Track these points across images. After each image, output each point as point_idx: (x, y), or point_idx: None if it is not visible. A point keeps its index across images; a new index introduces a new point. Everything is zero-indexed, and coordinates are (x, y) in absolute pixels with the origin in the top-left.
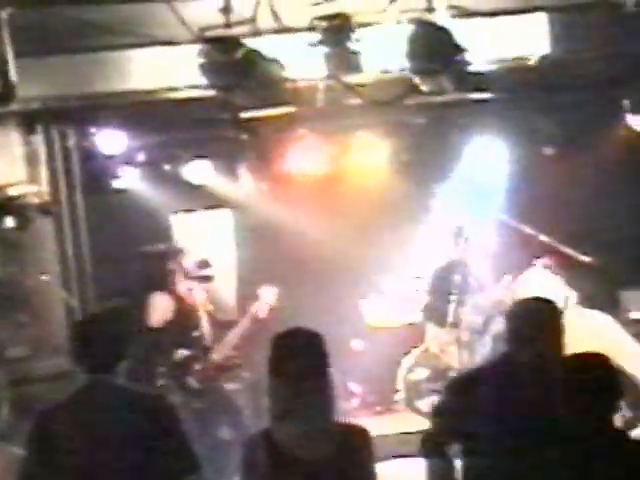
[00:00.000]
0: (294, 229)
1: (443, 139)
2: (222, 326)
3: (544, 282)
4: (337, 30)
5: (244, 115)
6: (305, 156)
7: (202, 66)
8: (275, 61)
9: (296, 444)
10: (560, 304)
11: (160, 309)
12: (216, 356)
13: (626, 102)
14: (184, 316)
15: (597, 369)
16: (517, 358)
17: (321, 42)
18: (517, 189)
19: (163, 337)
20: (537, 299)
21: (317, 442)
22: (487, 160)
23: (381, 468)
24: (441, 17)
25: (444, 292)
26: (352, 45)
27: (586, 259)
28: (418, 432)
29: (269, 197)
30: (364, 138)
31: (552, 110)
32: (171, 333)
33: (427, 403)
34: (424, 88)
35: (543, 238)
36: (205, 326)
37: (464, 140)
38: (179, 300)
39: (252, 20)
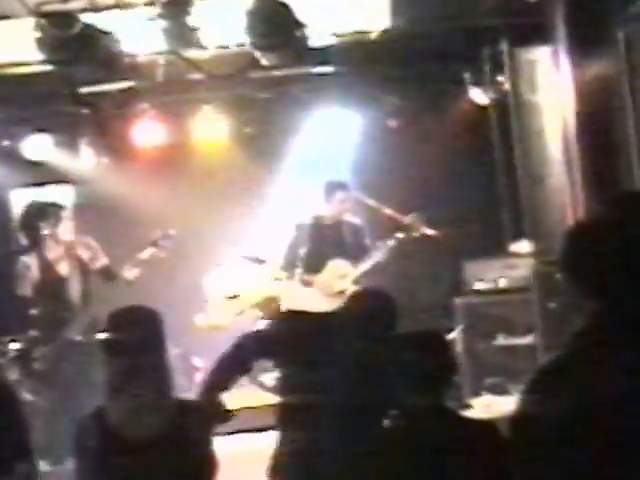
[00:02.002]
0: (136, 204)
1: (287, 113)
2: (109, 276)
3: None
4: (175, 5)
5: (84, 90)
6: (147, 130)
7: (39, 41)
8: (112, 36)
9: (127, 423)
10: None
11: (24, 276)
12: (72, 330)
13: (467, 75)
14: (50, 285)
15: (429, 347)
16: None
17: (160, 16)
18: (362, 162)
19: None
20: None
21: (148, 421)
22: (332, 133)
23: (225, 442)
24: None
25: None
26: (191, 20)
27: (429, 231)
28: (262, 407)
29: (111, 172)
30: (207, 112)
31: (395, 83)
32: (35, 304)
33: (271, 377)
34: (265, 62)
35: (387, 211)
36: (74, 295)
37: (308, 113)
38: (47, 267)
39: None
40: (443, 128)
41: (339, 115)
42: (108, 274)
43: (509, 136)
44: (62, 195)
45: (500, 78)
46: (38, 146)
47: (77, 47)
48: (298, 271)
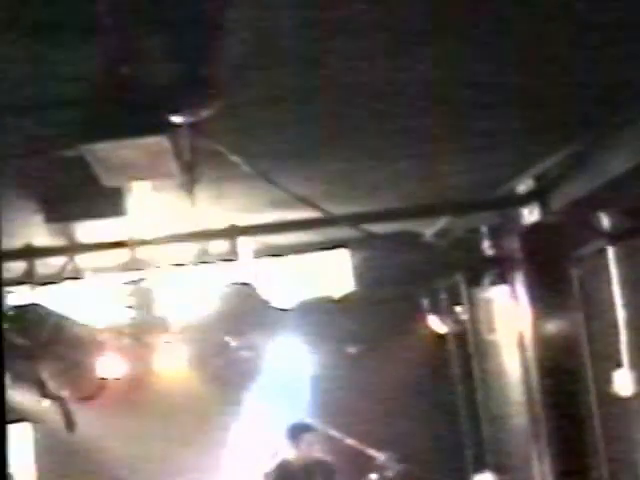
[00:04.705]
0: (97, 439)
1: None
2: None
3: None
4: (143, 298)
5: None
6: (109, 362)
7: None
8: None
9: None
10: None
11: None
12: None
13: (425, 301)
14: None
15: None
16: None
17: (128, 307)
18: (322, 390)
19: None
20: None
21: None
22: (292, 359)
23: None
24: (244, 256)
25: None
26: (157, 310)
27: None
28: None
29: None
30: (168, 342)
31: (353, 306)
32: None
33: None
34: (234, 344)
35: (349, 441)
36: None
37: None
38: None
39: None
40: (402, 354)
41: (298, 343)
42: None
43: (468, 365)
44: (20, 434)
45: (457, 308)
46: None
47: (43, 348)
48: None
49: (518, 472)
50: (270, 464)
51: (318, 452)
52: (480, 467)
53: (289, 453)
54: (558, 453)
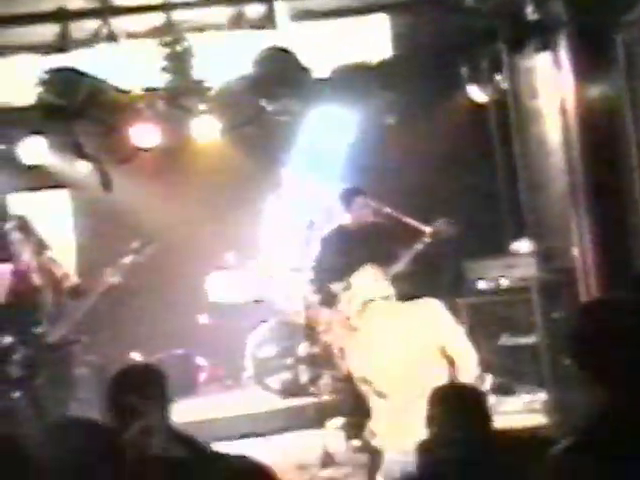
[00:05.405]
0: (136, 206)
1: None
2: (77, 295)
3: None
4: (180, 61)
5: None
6: (144, 131)
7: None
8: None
9: None
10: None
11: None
12: (52, 337)
13: (465, 70)
14: (25, 292)
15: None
16: None
17: (164, 70)
18: (360, 158)
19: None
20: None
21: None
22: (330, 129)
23: (230, 447)
24: (281, 20)
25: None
26: (195, 74)
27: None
28: (267, 412)
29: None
30: (204, 112)
31: (392, 78)
32: (7, 312)
33: (276, 380)
34: (271, 109)
35: (387, 210)
36: (50, 303)
37: (306, 111)
38: (21, 275)
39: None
40: (441, 124)
41: (337, 111)
42: (77, 293)
43: (508, 134)
44: (59, 199)
45: (498, 77)
46: (34, 149)
47: (80, 110)
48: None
49: (556, 239)
50: (324, 230)
51: (370, 216)
52: (518, 234)
53: (343, 218)
54: (597, 220)
